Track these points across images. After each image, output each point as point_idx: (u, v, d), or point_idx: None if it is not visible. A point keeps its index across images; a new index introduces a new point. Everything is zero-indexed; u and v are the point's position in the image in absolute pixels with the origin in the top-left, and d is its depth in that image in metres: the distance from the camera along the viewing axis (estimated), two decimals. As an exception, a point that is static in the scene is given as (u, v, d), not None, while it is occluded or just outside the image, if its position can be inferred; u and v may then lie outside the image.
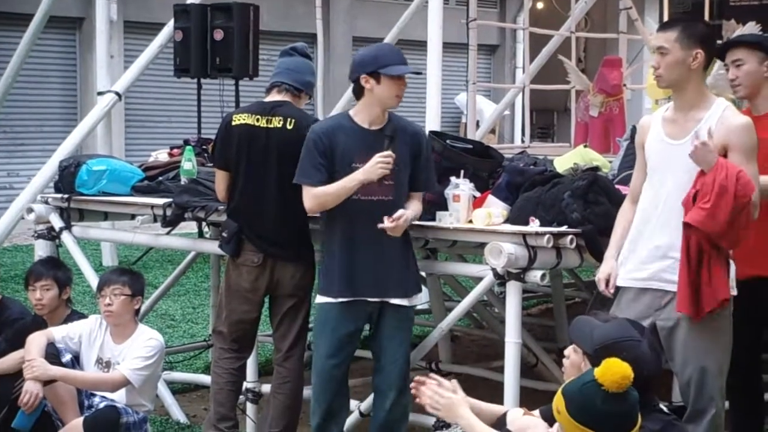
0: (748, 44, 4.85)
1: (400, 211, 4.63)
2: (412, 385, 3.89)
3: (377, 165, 4.61)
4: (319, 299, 4.84)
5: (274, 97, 5.16)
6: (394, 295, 4.78)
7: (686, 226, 4.09)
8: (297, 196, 4.83)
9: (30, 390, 5.00)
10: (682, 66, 4.20)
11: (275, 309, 5.26)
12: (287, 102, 5.14)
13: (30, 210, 6.48)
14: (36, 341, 5.15)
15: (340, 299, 4.76)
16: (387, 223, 4.59)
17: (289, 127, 5.05)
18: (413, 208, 4.78)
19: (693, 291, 4.10)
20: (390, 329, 4.81)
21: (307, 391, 5.40)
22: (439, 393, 3.76)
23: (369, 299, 4.77)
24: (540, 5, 18.14)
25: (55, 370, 5.06)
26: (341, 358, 4.83)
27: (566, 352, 3.81)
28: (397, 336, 4.83)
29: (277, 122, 5.08)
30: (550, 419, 3.60)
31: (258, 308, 5.26)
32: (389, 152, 4.63)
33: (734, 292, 4.24)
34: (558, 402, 3.34)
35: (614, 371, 3.25)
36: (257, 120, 5.09)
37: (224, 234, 5.20)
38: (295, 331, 5.23)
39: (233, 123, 5.15)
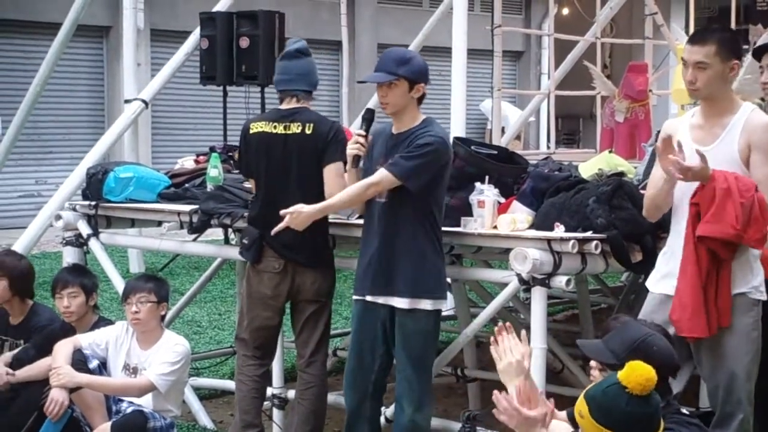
0: None
1: (295, 207, 4.73)
2: (495, 330, 3.82)
3: (350, 144, 4.75)
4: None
5: (291, 104, 5.19)
6: (395, 295, 4.71)
7: (701, 240, 4.08)
8: (317, 202, 4.90)
9: (55, 398, 5.04)
10: (721, 78, 4.19)
11: (297, 315, 5.29)
12: (305, 108, 5.19)
13: (58, 217, 6.52)
14: (63, 348, 5.20)
15: (356, 297, 4.85)
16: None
17: (308, 132, 5.09)
18: (342, 192, 4.76)
19: (705, 311, 4.09)
20: (398, 336, 4.75)
21: (332, 397, 5.42)
22: (512, 349, 3.73)
23: (374, 299, 4.77)
24: (565, 11, 18.11)
25: (81, 377, 5.09)
26: (361, 359, 4.84)
27: (592, 363, 3.80)
28: (404, 347, 4.74)
29: (295, 128, 5.11)
30: (575, 422, 3.59)
31: (280, 314, 5.29)
32: (360, 131, 4.74)
33: (764, 296, 4.23)
34: (581, 406, 3.33)
35: (639, 373, 3.25)
36: (274, 127, 5.13)
37: (245, 241, 5.23)
38: (317, 337, 5.26)
39: (251, 131, 5.18)
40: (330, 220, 5.21)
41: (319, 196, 4.93)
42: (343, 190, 4.86)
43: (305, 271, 5.17)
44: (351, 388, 4.89)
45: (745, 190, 4.04)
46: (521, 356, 3.73)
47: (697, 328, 4.10)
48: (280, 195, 5.08)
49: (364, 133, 4.74)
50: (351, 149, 4.75)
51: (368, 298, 4.79)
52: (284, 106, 5.20)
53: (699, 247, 4.11)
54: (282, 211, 4.76)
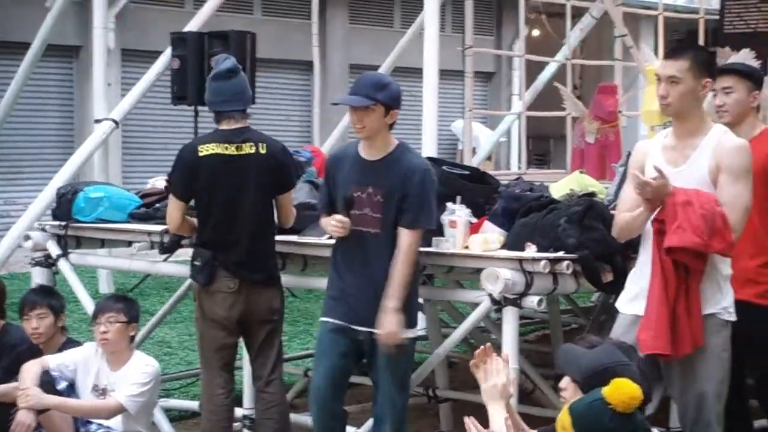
0: (739, 73, 4.88)
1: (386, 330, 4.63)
2: (477, 352, 3.87)
3: (332, 228, 4.72)
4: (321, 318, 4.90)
5: (232, 125, 5.19)
6: (377, 327, 4.69)
7: (670, 252, 4.09)
8: (268, 221, 5.07)
9: (22, 420, 4.97)
10: (692, 95, 4.21)
11: (251, 337, 5.30)
12: (247, 127, 5.22)
13: (27, 237, 6.48)
14: (30, 369, 5.14)
15: (329, 319, 4.80)
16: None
17: (262, 151, 5.15)
18: (397, 268, 4.63)
19: (672, 329, 4.09)
20: (381, 361, 4.76)
21: (303, 417, 5.39)
22: (499, 371, 3.77)
23: (355, 327, 4.74)
24: (536, 32, 18.23)
25: (50, 399, 5.04)
26: (334, 381, 4.82)
27: (563, 383, 3.80)
28: (387, 369, 4.76)
29: (249, 148, 5.14)
30: None
31: (236, 333, 5.29)
32: (341, 218, 4.68)
33: (734, 317, 4.25)
34: (564, 418, 3.33)
35: (624, 391, 3.27)
36: (226, 148, 5.13)
37: (196, 263, 5.19)
38: (274, 356, 5.28)
39: (201, 154, 5.13)
40: (304, 241, 5.23)
41: (270, 216, 5.13)
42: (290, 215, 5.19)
43: (260, 290, 5.19)
44: (322, 410, 4.84)
45: (706, 202, 4.07)
46: (506, 380, 3.76)
47: (661, 345, 4.09)
48: (235, 215, 5.12)
49: (345, 220, 4.68)
50: (337, 233, 4.71)
51: (352, 326, 4.75)
52: (225, 127, 5.20)
53: (665, 264, 4.12)
54: (379, 337, 4.67)
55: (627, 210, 4.31)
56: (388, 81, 4.80)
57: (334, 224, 4.70)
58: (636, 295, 4.32)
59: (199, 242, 5.25)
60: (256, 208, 5.14)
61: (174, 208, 5.24)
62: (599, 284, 4.88)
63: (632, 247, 4.53)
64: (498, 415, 3.71)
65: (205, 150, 5.13)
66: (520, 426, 3.81)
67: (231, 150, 5.12)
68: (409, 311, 4.72)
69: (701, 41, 10.20)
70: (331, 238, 4.93)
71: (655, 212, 4.16)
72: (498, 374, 3.76)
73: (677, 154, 4.27)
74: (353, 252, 4.75)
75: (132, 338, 5.35)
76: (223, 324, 5.18)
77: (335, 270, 4.84)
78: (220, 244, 5.13)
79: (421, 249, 4.99)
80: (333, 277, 4.85)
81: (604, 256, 4.81)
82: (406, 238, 4.65)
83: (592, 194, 5.35)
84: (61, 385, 5.18)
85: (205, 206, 5.18)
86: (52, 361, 5.27)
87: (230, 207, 5.13)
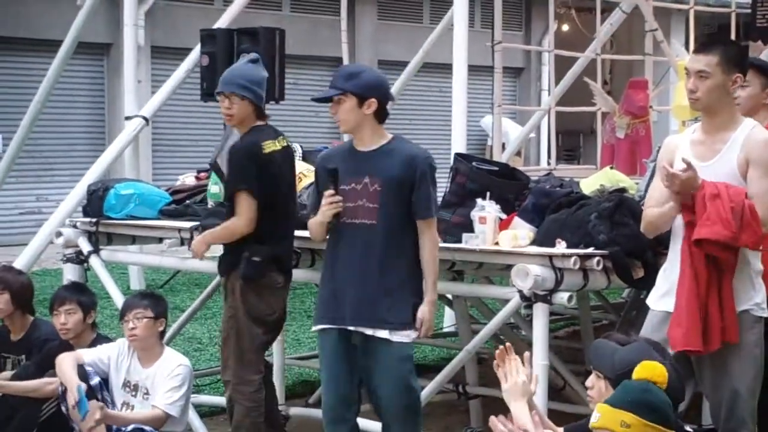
0: (756, 68, 4.84)
1: (419, 318, 4.53)
2: (497, 353, 3.83)
3: (325, 207, 4.56)
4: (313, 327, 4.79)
5: (263, 120, 5.23)
6: (372, 326, 4.52)
7: (699, 245, 4.06)
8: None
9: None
10: (722, 90, 4.18)
11: (278, 333, 5.38)
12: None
13: (59, 234, 6.52)
14: (67, 362, 5.15)
15: (321, 326, 4.66)
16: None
17: (287, 144, 5.23)
18: (427, 260, 4.52)
19: (703, 324, 4.06)
20: (379, 365, 4.57)
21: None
22: (518, 370, 3.78)
23: (349, 327, 4.57)
24: (565, 27, 18.16)
25: (112, 415, 5.03)
26: (338, 398, 4.66)
27: (589, 382, 3.78)
28: (387, 375, 4.56)
29: (286, 142, 5.23)
30: None
31: (276, 331, 5.33)
32: (331, 191, 4.55)
33: (766, 313, 4.21)
34: (623, 417, 3.29)
35: (651, 367, 3.37)
36: (277, 143, 5.15)
37: (255, 258, 5.05)
38: None
39: (266, 151, 5.06)
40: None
41: None
42: None
43: (288, 287, 5.28)
44: (334, 423, 4.69)
45: (735, 195, 4.04)
46: (527, 378, 3.76)
47: (693, 342, 4.06)
48: (287, 209, 5.18)
49: (334, 193, 4.53)
50: (330, 210, 4.54)
51: (346, 326, 4.58)
52: (267, 121, 5.24)
53: (695, 258, 4.09)
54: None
55: (655, 205, 4.29)
56: (361, 70, 4.65)
57: (325, 203, 4.53)
58: (666, 292, 4.29)
59: (254, 237, 5.09)
60: (295, 201, 5.26)
61: (251, 207, 5.01)
62: (630, 280, 4.86)
63: (663, 243, 4.51)
64: (521, 412, 3.71)
65: (268, 147, 5.10)
66: (546, 422, 3.80)
67: (281, 144, 5.15)
68: (404, 310, 4.52)
69: (733, 35, 10.13)
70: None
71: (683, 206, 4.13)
72: (518, 372, 3.76)
73: (706, 148, 4.24)
74: (347, 247, 4.56)
75: (161, 334, 5.36)
76: (267, 321, 5.16)
77: (327, 269, 4.67)
78: (274, 238, 5.09)
79: (450, 245, 4.99)
80: (325, 277, 4.68)
81: (635, 252, 4.79)
82: (428, 229, 4.53)
83: (622, 190, 5.33)
84: (94, 381, 5.19)
85: (269, 202, 5.07)
86: (87, 355, 5.30)
87: (286, 201, 5.16)
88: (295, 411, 6.19)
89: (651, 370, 3.37)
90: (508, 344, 3.86)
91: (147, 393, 5.23)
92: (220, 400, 6.78)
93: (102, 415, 4.89)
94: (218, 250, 6.27)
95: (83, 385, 4.96)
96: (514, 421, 3.67)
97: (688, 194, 4.08)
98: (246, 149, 5.08)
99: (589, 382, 3.79)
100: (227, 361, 5.18)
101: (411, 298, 4.53)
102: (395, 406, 4.61)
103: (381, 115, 4.55)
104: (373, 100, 4.50)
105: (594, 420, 3.38)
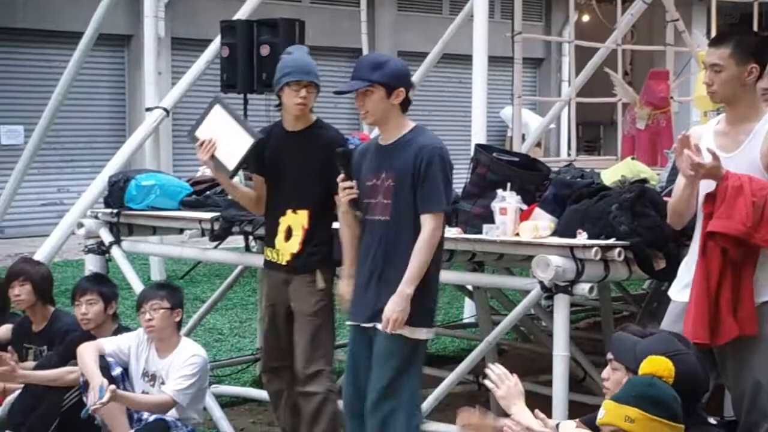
0: None
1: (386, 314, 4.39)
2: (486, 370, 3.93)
3: (341, 194, 4.57)
4: None
5: None
6: (378, 321, 4.45)
7: (712, 237, 4.04)
8: None
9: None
10: (737, 82, 4.16)
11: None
12: None
13: (80, 225, 6.55)
14: (88, 352, 5.18)
15: (349, 322, 4.68)
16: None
17: None
18: (413, 253, 4.37)
19: (710, 316, 4.04)
20: (376, 355, 4.51)
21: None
22: (507, 376, 3.87)
23: (362, 324, 4.56)
24: (585, 18, 18.08)
25: (123, 395, 5.04)
26: (354, 389, 4.64)
27: (605, 374, 3.78)
28: (379, 365, 4.49)
29: None
30: (594, 428, 3.58)
31: None
32: (342, 176, 4.54)
33: None
34: (626, 412, 3.29)
35: (657, 362, 3.40)
36: None
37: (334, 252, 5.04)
38: None
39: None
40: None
41: None
42: None
43: None
44: (353, 419, 4.66)
45: (759, 189, 4.02)
46: (515, 379, 3.87)
47: (700, 334, 4.04)
48: None
49: (345, 178, 4.52)
50: (345, 196, 4.53)
51: (363, 323, 4.54)
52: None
53: (708, 251, 4.07)
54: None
55: None
56: (386, 60, 4.55)
57: (341, 192, 4.53)
58: (688, 283, 4.28)
59: (331, 226, 5.05)
60: None
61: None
62: (651, 271, 4.84)
63: (687, 233, 4.49)
64: (524, 413, 3.74)
65: None
66: (547, 421, 3.84)
67: None
68: (420, 308, 4.42)
69: (755, 25, 10.06)
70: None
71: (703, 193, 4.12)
72: (507, 378, 3.86)
73: (729, 140, 4.22)
74: (366, 244, 4.54)
75: (178, 325, 5.37)
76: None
77: (358, 265, 4.65)
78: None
79: (471, 236, 4.98)
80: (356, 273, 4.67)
81: (657, 243, 4.77)
82: (427, 223, 4.39)
83: (644, 180, 5.31)
84: (116, 371, 5.22)
85: None
86: (108, 345, 5.32)
87: None
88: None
89: (656, 365, 3.38)
90: (494, 370, 3.96)
91: (164, 383, 5.25)
92: (241, 391, 6.83)
93: (112, 394, 4.90)
94: (239, 241, 6.30)
95: (105, 385, 4.99)
96: (519, 421, 3.71)
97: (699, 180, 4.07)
98: (345, 143, 5.04)
99: (605, 374, 3.79)
100: (317, 351, 5.06)
101: (425, 296, 4.44)
102: (374, 396, 4.50)
103: (406, 105, 4.51)
104: (402, 89, 4.45)
105: (600, 416, 3.38)
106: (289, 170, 5.06)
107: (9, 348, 5.54)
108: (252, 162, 5.16)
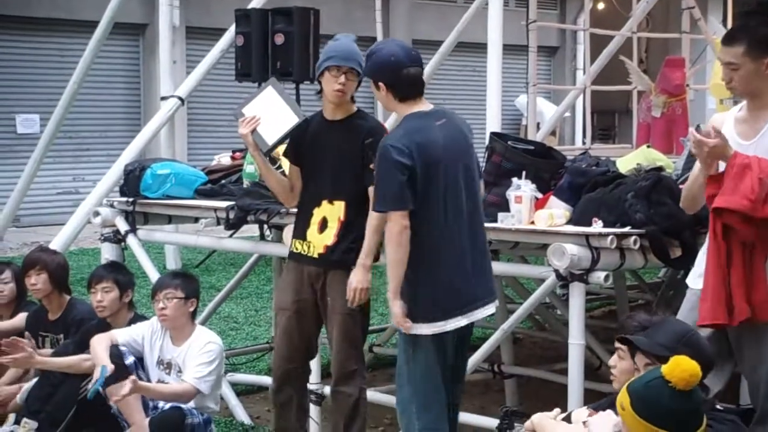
0: None
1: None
2: None
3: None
4: None
5: None
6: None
7: (718, 214, 4.02)
8: None
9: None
10: (755, 76, 4.14)
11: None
12: None
13: (96, 214, 6.58)
14: (100, 343, 5.21)
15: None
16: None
17: None
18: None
19: (726, 295, 4.02)
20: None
21: (370, 393, 5.40)
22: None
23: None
24: (600, 6, 17.98)
25: (141, 386, 5.03)
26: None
27: (612, 361, 3.78)
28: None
29: None
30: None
31: None
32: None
33: None
34: (622, 398, 3.31)
35: (683, 368, 3.21)
36: None
37: None
38: None
39: None
40: None
41: None
42: None
43: None
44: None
45: (767, 167, 4.00)
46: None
47: (718, 315, 4.01)
48: None
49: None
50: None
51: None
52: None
53: (717, 229, 4.04)
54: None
55: None
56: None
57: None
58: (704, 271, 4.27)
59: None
60: None
61: None
62: (667, 260, 4.83)
63: (702, 222, 4.48)
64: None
65: None
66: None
67: None
68: (406, 299, 4.37)
69: (773, 12, 9.98)
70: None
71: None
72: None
73: (749, 127, 4.21)
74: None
75: (192, 314, 5.38)
76: None
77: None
78: None
79: (487, 225, 4.96)
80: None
81: (672, 231, 4.76)
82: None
83: (659, 168, 5.29)
84: (129, 360, 5.25)
85: None
86: (121, 335, 5.34)
87: None
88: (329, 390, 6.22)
89: (680, 369, 3.23)
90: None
91: (180, 371, 5.28)
92: (256, 379, 6.86)
93: (133, 386, 4.91)
94: (254, 230, 6.31)
95: (108, 368, 5.00)
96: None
97: (716, 162, 4.04)
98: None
99: (612, 361, 3.79)
100: (354, 350, 4.97)
101: (405, 287, 4.37)
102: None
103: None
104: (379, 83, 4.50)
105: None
106: (327, 160, 4.90)
107: (26, 334, 5.57)
108: (290, 150, 5.04)
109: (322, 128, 4.96)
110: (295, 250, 5.01)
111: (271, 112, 5.00)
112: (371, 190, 4.53)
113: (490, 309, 4.54)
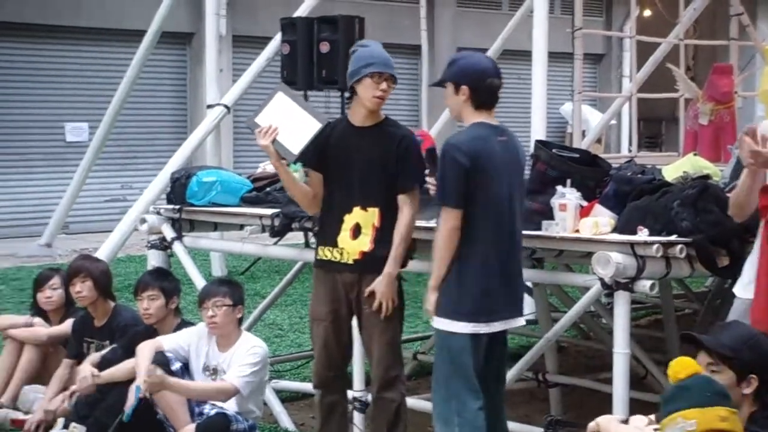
0: None
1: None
2: None
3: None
4: None
5: None
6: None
7: (764, 212, 3.98)
8: None
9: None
10: None
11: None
12: None
13: (143, 221, 6.63)
14: (145, 350, 5.26)
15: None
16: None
17: None
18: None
19: None
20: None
21: (411, 401, 5.39)
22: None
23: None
24: (647, 13, 17.86)
25: (170, 381, 5.09)
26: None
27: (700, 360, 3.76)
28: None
29: None
30: None
31: None
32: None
33: None
34: (716, 412, 3.32)
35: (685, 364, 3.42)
36: None
37: None
38: None
39: None
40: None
41: None
42: None
43: None
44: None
45: None
46: None
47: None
48: None
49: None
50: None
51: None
52: None
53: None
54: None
55: None
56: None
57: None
58: (752, 280, 4.22)
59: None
60: None
61: None
62: (714, 269, 4.78)
63: (750, 231, 4.43)
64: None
65: None
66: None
67: None
68: (449, 295, 4.50)
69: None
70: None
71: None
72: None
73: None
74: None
75: (239, 320, 5.42)
76: None
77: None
78: None
79: (531, 232, 4.95)
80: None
81: (720, 240, 4.71)
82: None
83: (706, 177, 5.23)
84: (175, 366, 5.29)
85: None
86: (167, 342, 5.38)
87: None
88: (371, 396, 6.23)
89: (683, 366, 3.39)
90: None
91: (225, 376, 5.31)
92: (301, 386, 6.87)
93: (159, 380, 4.96)
94: (298, 237, 6.33)
95: (142, 388, 5.05)
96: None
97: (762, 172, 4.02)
98: None
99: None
100: (395, 356, 4.98)
101: (448, 285, 4.49)
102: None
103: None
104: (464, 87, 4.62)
105: (690, 428, 3.41)
106: (355, 166, 4.88)
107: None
108: (312, 157, 4.99)
109: (349, 134, 4.94)
110: (324, 257, 4.97)
111: (288, 119, 4.93)
112: (401, 197, 4.72)
113: (521, 321, 4.68)
